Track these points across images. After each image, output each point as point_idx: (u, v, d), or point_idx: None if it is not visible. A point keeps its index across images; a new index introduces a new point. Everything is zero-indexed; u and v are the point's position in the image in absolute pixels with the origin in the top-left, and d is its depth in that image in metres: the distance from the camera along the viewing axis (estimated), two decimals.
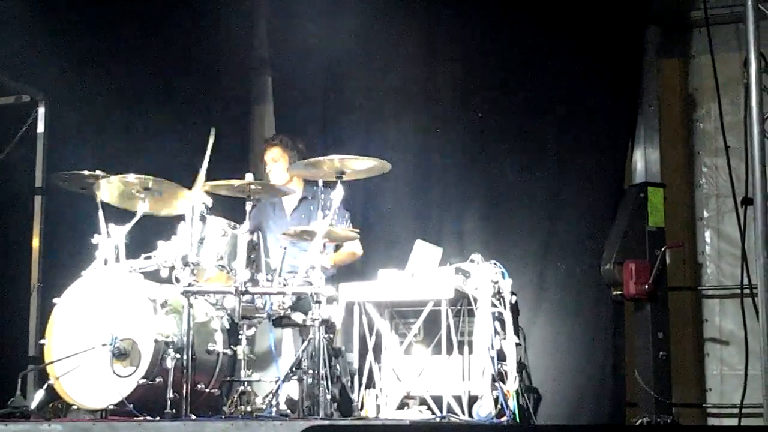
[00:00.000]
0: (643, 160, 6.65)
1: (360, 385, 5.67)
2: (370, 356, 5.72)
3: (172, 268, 5.37)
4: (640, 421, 6.09)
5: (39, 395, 5.32)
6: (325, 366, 5.12)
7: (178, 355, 5.12)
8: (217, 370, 5.50)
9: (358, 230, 5.94)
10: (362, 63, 7.15)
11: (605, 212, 6.48)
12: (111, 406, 5.08)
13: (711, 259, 6.94)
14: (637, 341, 6.31)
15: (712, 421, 6.72)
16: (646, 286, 6.13)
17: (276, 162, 6.38)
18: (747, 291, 5.62)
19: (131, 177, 5.52)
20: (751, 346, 5.77)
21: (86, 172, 5.68)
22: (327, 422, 4.85)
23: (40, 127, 7.12)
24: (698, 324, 6.89)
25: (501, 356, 5.68)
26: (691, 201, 7.01)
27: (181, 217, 5.47)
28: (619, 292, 6.23)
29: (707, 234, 6.97)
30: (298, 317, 5.56)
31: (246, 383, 5.32)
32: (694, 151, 7.05)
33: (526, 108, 6.76)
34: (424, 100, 7.01)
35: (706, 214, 6.99)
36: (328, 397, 5.14)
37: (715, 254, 6.92)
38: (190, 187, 5.78)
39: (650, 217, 6.30)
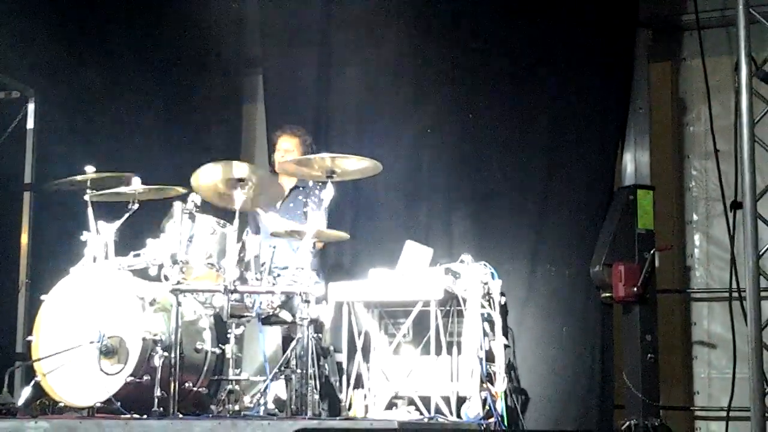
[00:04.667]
0: (633, 163, 6.65)
1: (348, 385, 5.67)
2: (358, 356, 5.71)
3: (160, 266, 5.35)
4: (627, 423, 6.09)
5: (26, 392, 5.31)
6: (313, 366, 5.10)
7: (165, 354, 5.10)
8: (205, 368, 5.48)
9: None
10: (353, 62, 7.14)
11: (595, 214, 6.48)
12: (98, 404, 5.06)
13: (700, 262, 6.95)
14: (625, 344, 6.31)
15: (700, 424, 6.74)
16: (635, 289, 6.12)
17: (289, 152, 6.36)
18: (735, 294, 5.64)
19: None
20: (739, 349, 5.78)
21: (79, 178, 5.64)
22: (315, 422, 4.83)
23: (30, 124, 7.08)
24: (686, 327, 6.91)
25: (489, 357, 5.68)
26: (680, 204, 7.03)
27: (171, 215, 5.45)
28: (607, 295, 6.24)
29: (696, 237, 6.99)
30: (286, 316, 5.56)
31: (234, 382, 5.31)
32: (683, 155, 7.07)
33: (516, 110, 6.76)
34: (415, 101, 6.99)
35: (695, 218, 7.01)
36: (316, 396, 5.12)
37: (704, 257, 6.94)
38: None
39: (639, 220, 6.30)
